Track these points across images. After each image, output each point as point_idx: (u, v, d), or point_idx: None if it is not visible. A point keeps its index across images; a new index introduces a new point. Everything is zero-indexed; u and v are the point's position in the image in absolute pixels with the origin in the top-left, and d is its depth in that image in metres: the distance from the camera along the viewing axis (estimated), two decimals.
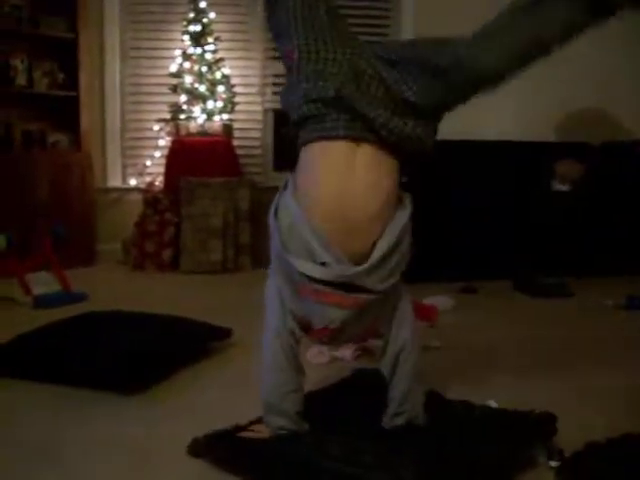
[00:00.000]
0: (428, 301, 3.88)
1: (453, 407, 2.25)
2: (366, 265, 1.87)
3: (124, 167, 5.68)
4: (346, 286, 1.86)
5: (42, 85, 5.20)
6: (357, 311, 1.90)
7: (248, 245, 5.23)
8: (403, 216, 1.95)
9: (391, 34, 5.79)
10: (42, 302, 3.89)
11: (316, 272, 1.85)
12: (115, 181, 5.65)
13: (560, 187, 4.92)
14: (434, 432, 2.03)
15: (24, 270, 4.09)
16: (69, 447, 2.04)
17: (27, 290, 4.02)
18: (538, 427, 2.03)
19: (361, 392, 2.37)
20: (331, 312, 1.89)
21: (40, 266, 4.20)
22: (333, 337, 2.00)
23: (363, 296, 1.89)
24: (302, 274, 1.86)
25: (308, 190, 1.91)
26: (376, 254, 1.88)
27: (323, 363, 2.87)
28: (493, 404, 2.31)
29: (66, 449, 2.02)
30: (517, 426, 2.05)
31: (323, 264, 1.85)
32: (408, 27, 5.77)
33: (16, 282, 4.04)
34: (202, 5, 5.28)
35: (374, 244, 1.89)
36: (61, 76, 5.30)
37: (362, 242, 1.89)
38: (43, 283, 4.08)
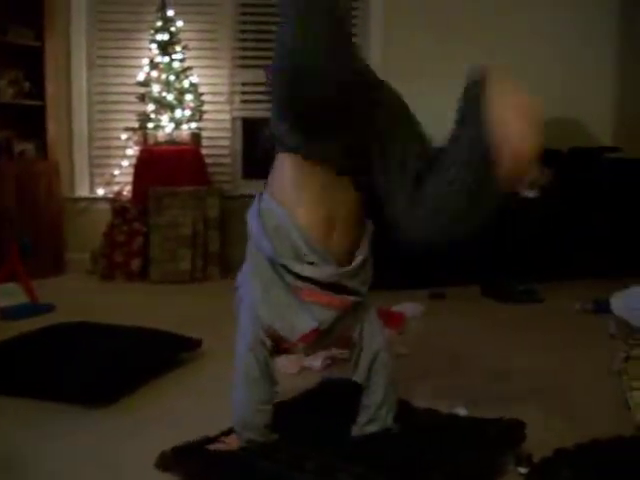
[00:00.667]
0: (397, 308, 3.90)
1: (420, 415, 2.26)
2: (353, 265, 1.97)
3: (92, 176, 5.63)
4: (333, 287, 1.92)
5: (8, 94, 5.14)
6: (342, 314, 1.96)
7: (217, 254, 5.21)
8: (370, 230, 2.05)
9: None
10: (8, 314, 3.85)
11: (307, 271, 1.90)
12: (83, 190, 5.61)
13: (528, 193, 4.96)
14: (404, 441, 2.04)
15: None
16: (36, 462, 2.02)
17: None
18: (507, 434, 2.05)
19: (330, 402, 2.38)
20: (323, 313, 1.93)
21: (7, 277, 4.15)
22: (314, 343, 2.01)
23: (350, 297, 1.96)
24: (295, 275, 1.90)
25: (290, 192, 1.96)
26: (359, 256, 1.99)
27: (293, 373, 2.87)
28: (462, 411, 2.33)
29: (32, 464, 2.00)
30: (486, 433, 2.06)
31: (311, 264, 1.90)
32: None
33: None
34: (170, 13, 5.26)
35: (354, 247, 1.99)
36: (27, 85, 5.25)
37: (345, 244, 1.97)
38: (9, 294, 4.04)
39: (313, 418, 2.24)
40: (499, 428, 2.08)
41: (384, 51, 5.72)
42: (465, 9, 5.72)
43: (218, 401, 2.37)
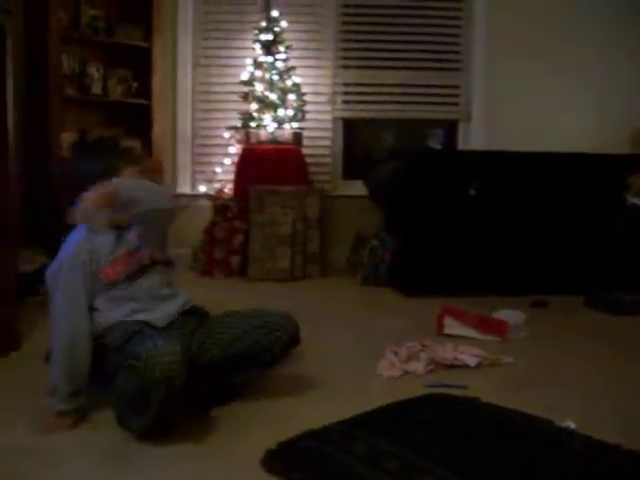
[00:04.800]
0: (498, 315, 3.81)
1: (538, 425, 2.19)
2: None
3: (194, 174, 5.73)
4: None
5: (116, 93, 5.29)
6: None
7: (317, 253, 5.21)
8: None
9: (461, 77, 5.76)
10: None
11: None
12: (185, 187, 5.71)
13: (635, 201, 4.78)
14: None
15: None
16: None
17: None
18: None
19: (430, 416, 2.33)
20: None
21: None
22: None
23: None
24: None
25: None
26: None
27: (394, 376, 2.83)
28: (571, 425, 2.24)
29: None
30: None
31: None
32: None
33: None
34: (274, 14, 5.30)
35: None
36: (134, 84, 5.39)
37: None
38: None
39: (410, 427, 2.20)
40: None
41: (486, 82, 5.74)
42: (567, 38, 5.69)
43: (316, 397, 2.35)
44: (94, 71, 5.17)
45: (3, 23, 3.05)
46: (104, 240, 2.45)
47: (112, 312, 2.38)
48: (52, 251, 4.39)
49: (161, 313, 2.43)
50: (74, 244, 2.45)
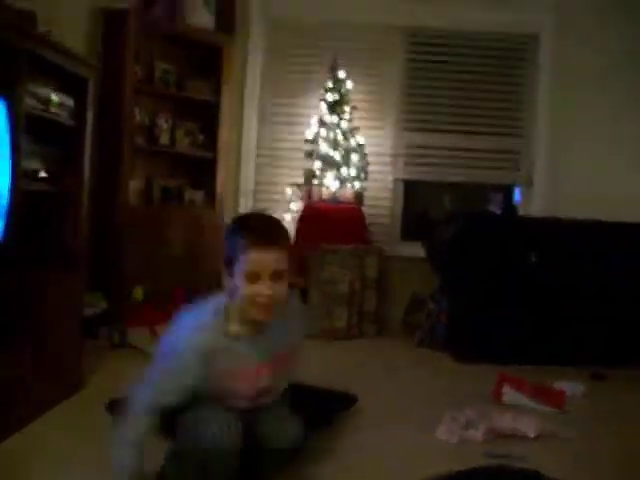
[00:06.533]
0: (557, 386, 3.76)
1: None
2: None
3: None
4: None
5: (183, 144, 5.41)
6: None
7: (373, 313, 5.22)
8: None
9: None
10: None
11: None
12: None
13: None
14: None
15: (157, 321, 4.20)
16: None
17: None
18: None
19: None
20: None
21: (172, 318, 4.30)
22: None
23: None
24: None
25: None
26: None
27: (453, 442, 2.80)
28: None
29: None
30: None
31: None
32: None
33: (148, 332, 4.16)
34: (341, 75, 5.40)
35: None
36: (201, 137, 5.51)
37: None
38: None
39: None
40: None
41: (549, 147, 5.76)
42: (632, 104, 5.75)
43: (372, 462, 2.33)
44: (163, 122, 5.30)
45: (87, 77, 3.18)
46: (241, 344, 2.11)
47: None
48: (111, 296, 4.51)
49: None
50: (202, 329, 2.07)
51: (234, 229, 2.06)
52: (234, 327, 2.07)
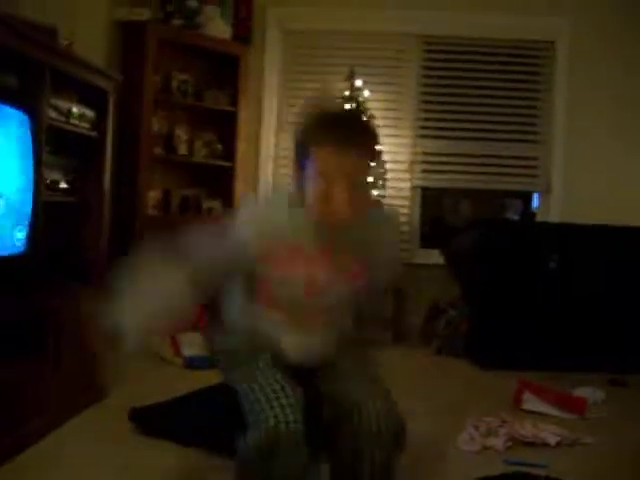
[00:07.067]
0: (577, 392, 3.75)
1: None
2: None
3: None
4: None
5: (201, 154, 5.44)
6: None
7: (390, 320, 5.21)
8: None
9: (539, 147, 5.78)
10: (193, 363, 4.01)
11: None
12: None
13: None
14: None
15: (176, 330, 4.22)
16: None
17: (177, 350, 4.14)
18: None
19: None
20: None
21: (192, 327, 4.33)
22: None
23: None
24: None
25: None
26: None
27: (474, 451, 2.80)
28: None
29: None
30: None
31: None
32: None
33: (168, 341, 4.18)
34: (358, 83, 5.41)
35: None
36: (219, 146, 5.53)
37: None
38: (194, 344, 4.20)
39: None
40: None
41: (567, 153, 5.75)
42: None
43: None
44: (181, 133, 5.33)
45: (107, 89, 3.21)
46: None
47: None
48: None
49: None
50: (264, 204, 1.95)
51: (313, 118, 1.77)
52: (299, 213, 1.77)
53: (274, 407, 1.63)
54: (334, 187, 1.66)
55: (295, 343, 1.85)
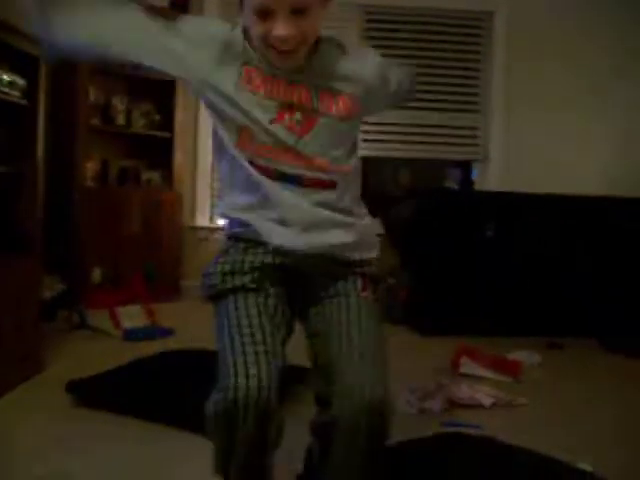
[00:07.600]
0: (513, 356, 3.83)
1: (555, 466, 2.18)
2: None
3: (212, 207, 5.78)
4: None
5: (139, 125, 5.37)
6: None
7: None
8: None
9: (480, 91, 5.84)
10: (131, 335, 3.98)
11: None
12: (203, 220, 5.76)
13: None
14: None
15: (115, 303, 4.19)
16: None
17: (117, 323, 4.11)
18: None
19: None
20: None
21: (130, 300, 4.30)
22: None
23: None
24: None
25: None
26: None
27: (412, 413, 2.85)
28: (587, 468, 2.24)
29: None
30: None
31: None
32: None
33: (108, 314, 4.14)
34: None
35: None
36: (157, 117, 5.46)
37: None
38: (132, 316, 4.18)
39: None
40: None
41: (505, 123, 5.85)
42: (585, 82, 5.85)
43: None
44: (118, 102, 5.25)
45: (38, 55, 3.13)
46: None
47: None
48: (69, 278, 4.47)
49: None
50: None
51: None
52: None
53: (238, 374, 1.44)
54: (277, 22, 1.47)
55: (283, 201, 1.63)
